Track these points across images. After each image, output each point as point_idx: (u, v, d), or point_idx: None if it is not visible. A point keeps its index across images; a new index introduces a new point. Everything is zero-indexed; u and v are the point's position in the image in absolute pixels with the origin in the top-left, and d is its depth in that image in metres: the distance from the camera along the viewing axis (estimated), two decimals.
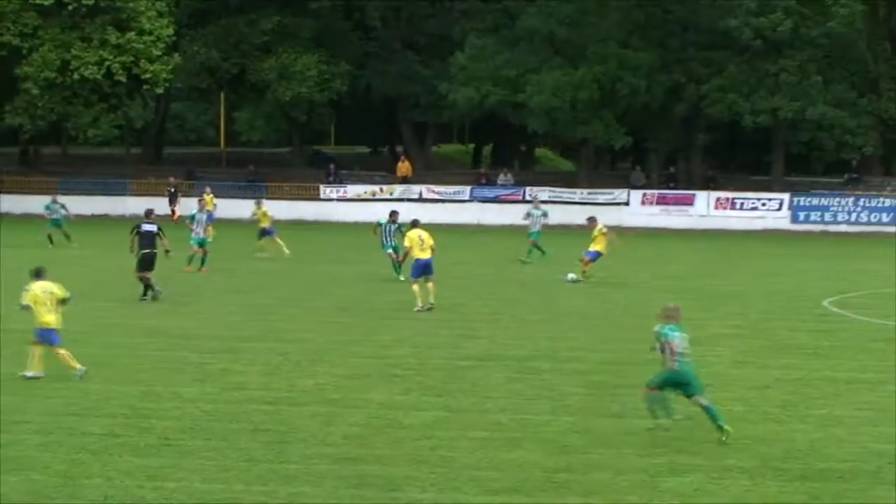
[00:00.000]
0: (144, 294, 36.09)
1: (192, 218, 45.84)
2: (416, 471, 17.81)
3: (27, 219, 67.19)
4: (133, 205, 71.36)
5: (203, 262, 44.60)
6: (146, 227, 36.72)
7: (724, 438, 19.56)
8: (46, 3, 72.14)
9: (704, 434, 20.06)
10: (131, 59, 73.63)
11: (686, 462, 18.44)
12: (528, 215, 49.96)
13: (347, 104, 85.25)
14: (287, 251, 50.13)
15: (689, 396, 19.93)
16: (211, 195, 59.27)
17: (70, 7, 73.12)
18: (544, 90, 73.31)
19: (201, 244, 44.91)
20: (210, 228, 46.39)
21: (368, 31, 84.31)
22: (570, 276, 42.43)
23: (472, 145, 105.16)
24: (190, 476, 17.45)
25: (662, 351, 19.98)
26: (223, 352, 27.33)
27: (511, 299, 37.75)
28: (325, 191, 78.59)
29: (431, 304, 34.13)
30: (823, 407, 22.40)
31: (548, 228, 52.64)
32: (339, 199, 77.80)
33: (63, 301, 24.31)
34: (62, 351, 24.11)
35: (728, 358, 27.44)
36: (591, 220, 43.52)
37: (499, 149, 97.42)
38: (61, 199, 60.05)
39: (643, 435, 19.94)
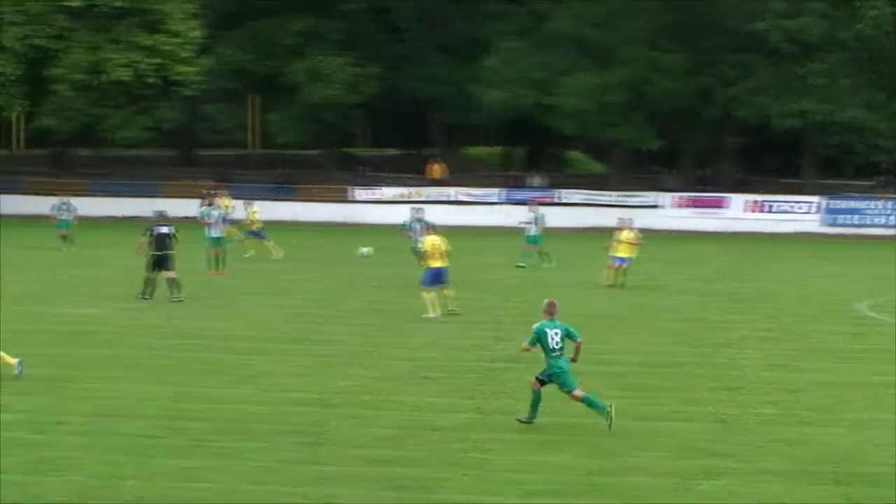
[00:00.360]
0: (146, 293, 35.94)
1: (207, 214, 45.54)
2: (450, 473, 17.82)
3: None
4: (163, 206, 70.94)
5: (221, 262, 44.14)
6: (159, 229, 36.60)
7: (608, 422, 20.15)
8: (75, 5, 72.42)
9: (738, 437, 20.06)
10: (161, 60, 73.80)
11: (720, 465, 18.41)
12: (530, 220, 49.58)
13: (378, 106, 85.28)
14: (253, 252, 49.79)
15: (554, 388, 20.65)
16: (227, 197, 58.66)
17: (99, 9, 73.35)
18: (573, 93, 73.23)
19: (216, 243, 44.33)
20: (235, 230, 46.14)
21: (399, 33, 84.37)
22: (364, 250, 44.87)
23: (503, 148, 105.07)
24: (224, 477, 17.50)
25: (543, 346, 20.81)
26: (257, 353, 27.40)
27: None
28: (356, 193, 78.68)
29: (453, 310, 33.94)
30: (859, 411, 22.32)
31: (579, 231, 52.53)
32: (369, 201, 77.85)
33: None
34: None
35: (760, 361, 27.38)
36: (627, 220, 42.88)
37: (530, 151, 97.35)
38: (89, 200, 59.75)
39: (677, 438, 19.93)
